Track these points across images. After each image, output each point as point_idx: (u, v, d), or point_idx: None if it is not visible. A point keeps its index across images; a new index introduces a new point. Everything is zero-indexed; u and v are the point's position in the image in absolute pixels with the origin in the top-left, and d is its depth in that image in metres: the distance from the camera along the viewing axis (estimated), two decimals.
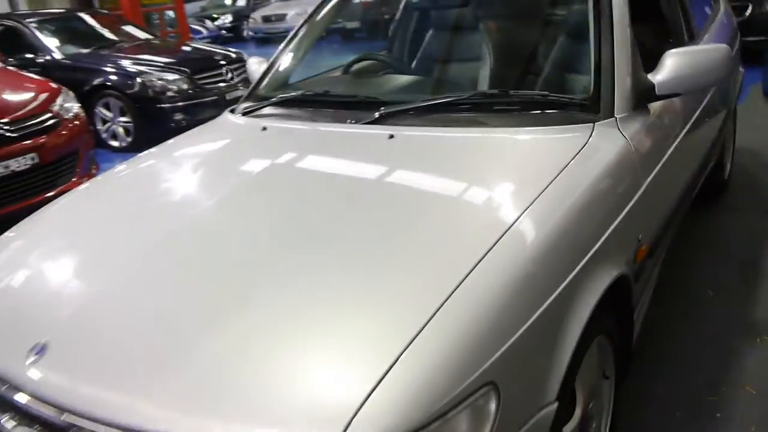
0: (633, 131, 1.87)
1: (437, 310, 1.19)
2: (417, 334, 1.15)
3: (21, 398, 1.28)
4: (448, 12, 2.91)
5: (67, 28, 7.32)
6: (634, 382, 2.17)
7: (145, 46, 7.31)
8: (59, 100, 4.57)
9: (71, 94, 4.84)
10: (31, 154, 4.11)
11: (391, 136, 1.89)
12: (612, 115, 1.85)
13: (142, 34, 7.83)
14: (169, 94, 6.24)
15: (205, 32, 15.41)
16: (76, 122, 4.56)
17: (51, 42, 6.89)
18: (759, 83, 5.85)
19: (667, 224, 2.18)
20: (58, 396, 1.24)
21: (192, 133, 2.42)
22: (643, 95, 1.95)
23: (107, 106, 6.41)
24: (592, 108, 1.86)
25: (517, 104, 1.96)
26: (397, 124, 1.96)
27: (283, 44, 2.68)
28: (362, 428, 1.04)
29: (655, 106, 2.03)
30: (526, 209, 1.46)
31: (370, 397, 1.07)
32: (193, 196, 1.92)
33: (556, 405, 1.33)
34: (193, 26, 13.49)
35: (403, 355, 1.12)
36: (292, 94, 2.40)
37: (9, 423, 1.30)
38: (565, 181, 1.58)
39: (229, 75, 6.70)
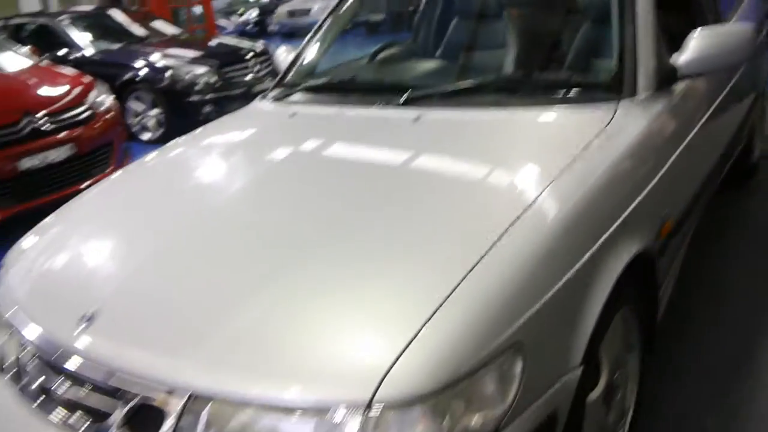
0: (656, 111, 1.89)
1: (464, 278, 1.24)
2: (445, 300, 1.20)
3: (72, 364, 1.36)
4: (472, 0, 2.94)
5: (97, 25, 7.47)
6: (662, 359, 2.19)
7: (173, 41, 7.43)
8: (93, 93, 4.70)
9: (105, 86, 4.97)
10: (69, 144, 4.23)
11: (418, 118, 1.95)
12: (635, 94, 1.87)
13: (170, 30, 7.97)
14: (198, 87, 6.35)
15: (231, 27, 15.58)
16: (109, 114, 4.69)
17: (82, 39, 7.05)
18: None
19: (692, 204, 2.20)
20: (107, 360, 1.32)
21: (224, 120, 2.51)
22: (666, 76, 1.96)
23: (139, 99, 6.55)
24: (615, 88, 1.89)
25: (541, 86, 1.99)
26: (424, 106, 2.02)
27: (309, 35, 2.74)
28: (393, 386, 1.10)
29: (679, 87, 2.04)
30: (549, 184, 1.51)
31: (401, 358, 1.12)
32: (226, 178, 2.00)
33: (581, 369, 1.37)
34: (218, 23, 13.66)
35: (432, 319, 1.17)
36: (320, 80, 2.47)
37: (61, 387, 1.38)
38: (588, 158, 1.62)
39: (256, 67, 6.79)
